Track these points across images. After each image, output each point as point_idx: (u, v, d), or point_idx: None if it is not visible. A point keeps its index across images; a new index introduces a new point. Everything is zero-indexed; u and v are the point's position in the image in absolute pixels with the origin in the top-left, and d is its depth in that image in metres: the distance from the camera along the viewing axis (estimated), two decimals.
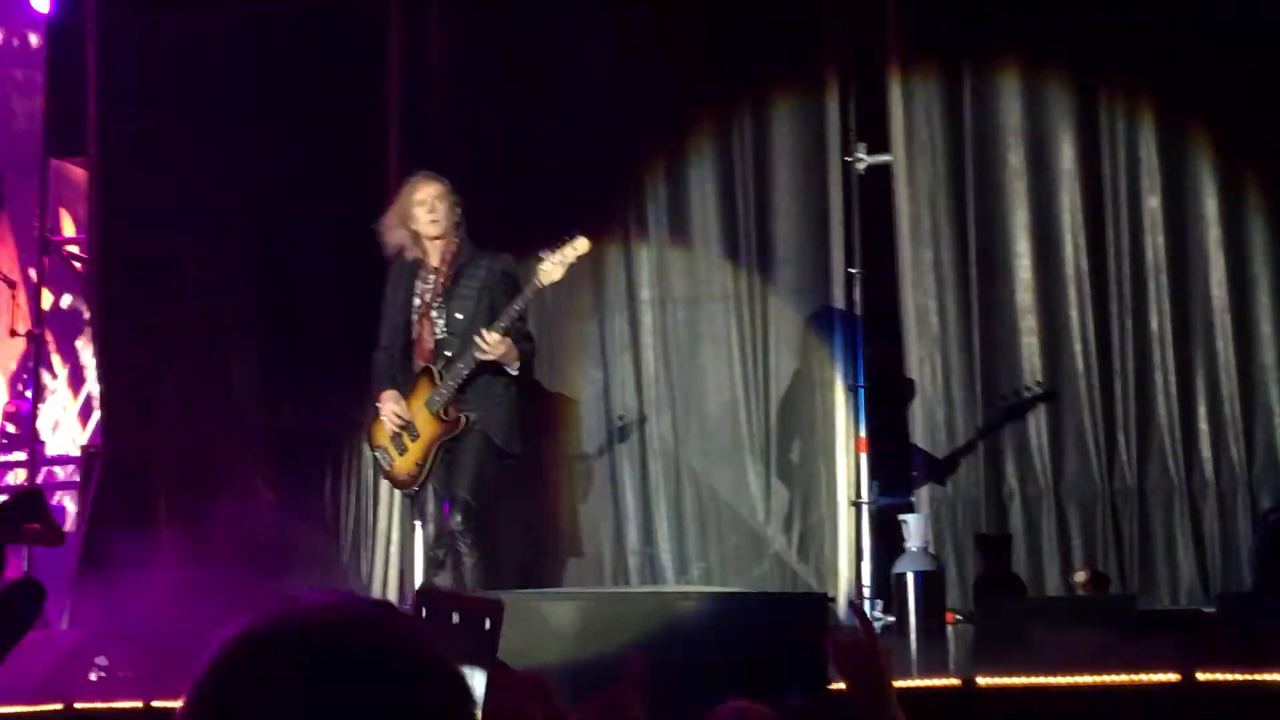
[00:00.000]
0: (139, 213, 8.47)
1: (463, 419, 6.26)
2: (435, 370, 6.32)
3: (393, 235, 6.51)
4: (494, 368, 6.24)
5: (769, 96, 7.51)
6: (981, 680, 5.13)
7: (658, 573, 7.38)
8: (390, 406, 6.38)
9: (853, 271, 7.11)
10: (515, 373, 6.28)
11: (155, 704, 5.68)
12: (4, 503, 6.69)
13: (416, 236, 6.45)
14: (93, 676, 7.49)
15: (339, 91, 7.98)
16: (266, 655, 1.33)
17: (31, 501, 6.89)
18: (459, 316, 6.33)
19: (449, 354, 6.33)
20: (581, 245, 6.22)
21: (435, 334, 6.39)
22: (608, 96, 7.71)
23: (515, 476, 6.76)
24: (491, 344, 6.13)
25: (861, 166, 7.12)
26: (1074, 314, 7.00)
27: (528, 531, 7.49)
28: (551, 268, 6.18)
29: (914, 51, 7.27)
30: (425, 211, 6.40)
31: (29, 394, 9.17)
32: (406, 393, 6.42)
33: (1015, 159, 7.12)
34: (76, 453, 9.54)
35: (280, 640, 1.33)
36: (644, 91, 7.69)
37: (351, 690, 1.29)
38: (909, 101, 7.23)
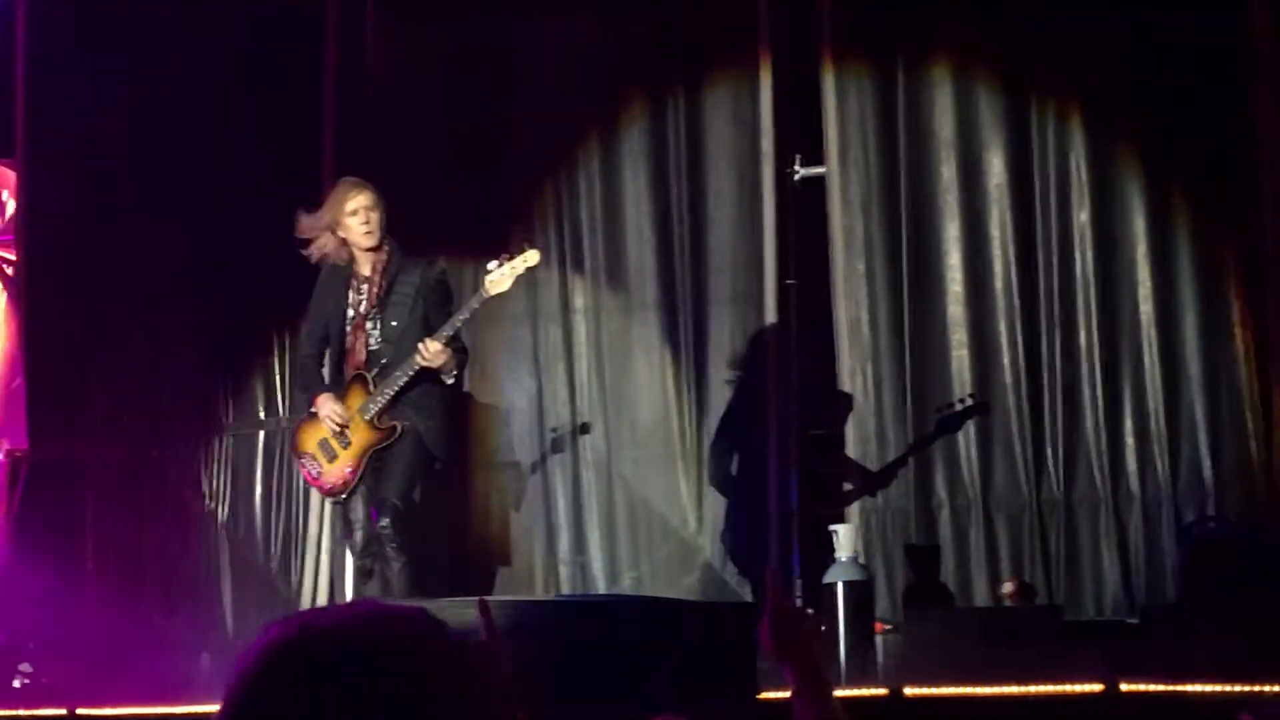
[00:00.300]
0: (67, 214, 8.39)
1: (398, 427, 6.22)
2: (369, 377, 6.27)
3: (319, 241, 6.39)
4: (430, 375, 6.21)
5: (704, 108, 7.53)
6: (909, 690, 5.17)
7: (589, 581, 7.38)
8: (330, 407, 6.28)
9: (788, 282, 7.14)
10: (450, 381, 6.25)
11: (80, 711, 5.62)
12: None
13: (343, 243, 6.37)
14: (16, 683, 7.42)
15: (275, 91, 7.94)
16: (303, 661, 1.34)
17: None
18: (394, 324, 6.28)
19: (384, 361, 6.29)
20: (532, 258, 6.19)
21: (369, 344, 6.33)
22: (543, 98, 7.71)
23: (445, 483, 6.75)
24: (432, 353, 6.09)
25: (797, 177, 7.15)
26: (1003, 327, 7.07)
27: (457, 539, 7.47)
28: (500, 279, 6.15)
29: (848, 60, 7.31)
30: (359, 222, 6.29)
31: None
32: (338, 399, 6.35)
33: (947, 172, 7.18)
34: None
35: (315, 646, 1.35)
36: (580, 92, 7.70)
37: (386, 693, 1.31)
38: (843, 113, 7.28)
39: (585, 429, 7.53)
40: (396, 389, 6.19)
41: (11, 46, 8.46)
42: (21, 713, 5.90)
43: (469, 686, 1.37)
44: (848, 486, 7.16)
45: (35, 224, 8.54)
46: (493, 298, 6.22)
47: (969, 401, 7.06)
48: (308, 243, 6.41)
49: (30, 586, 8.10)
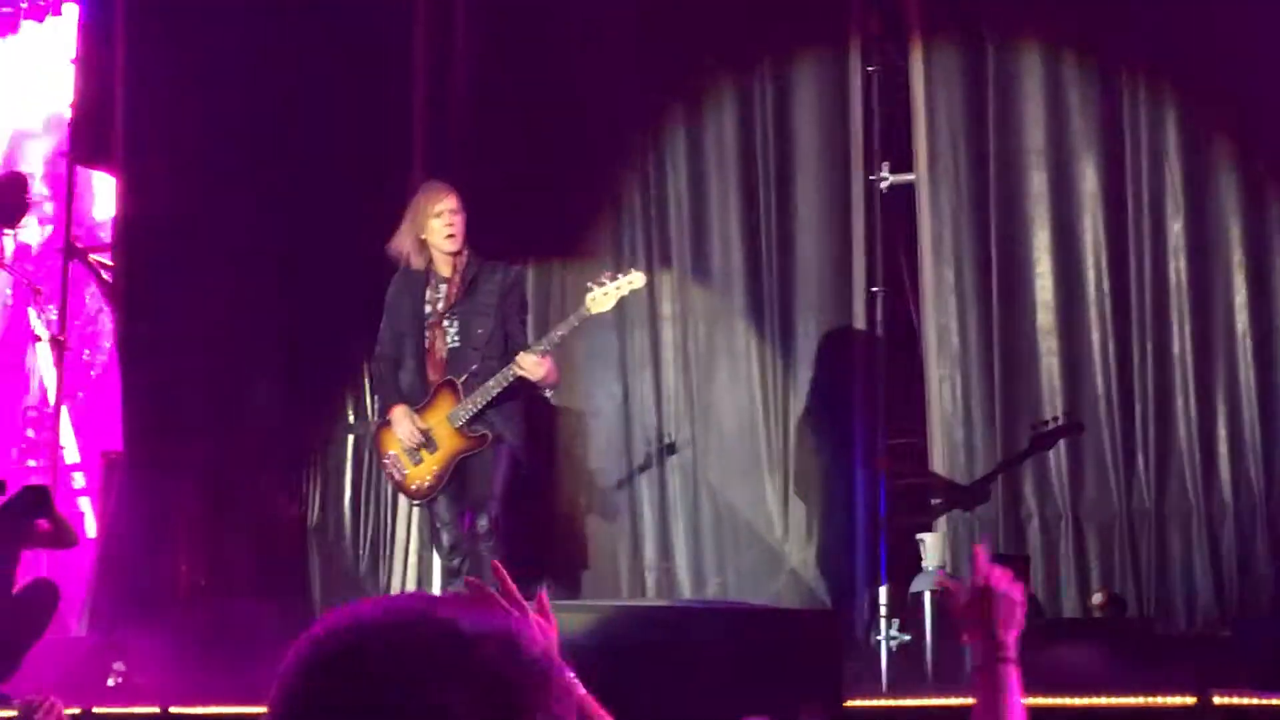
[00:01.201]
0: (162, 221, 8.52)
1: (487, 436, 6.26)
2: (458, 384, 6.32)
3: (399, 244, 6.50)
4: (520, 388, 6.25)
5: (792, 114, 7.53)
6: None
7: (675, 587, 7.38)
8: (405, 426, 6.36)
9: (875, 290, 7.12)
10: (550, 394, 6.26)
11: (173, 710, 5.70)
12: (7, 500, 6.73)
13: (423, 245, 6.44)
14: (111, 682, 7.53)
15: (365, 99, 8.03)
16: (347, 654, 1.38)
17: (37, 498, 6.95)
18: (479, 331, 6.32)
19: (467, 365, 6.32)
20: (637, 280, 6.20)
21: (448, 343, 6.39)
22: (627, 96, 7.73)
23: (532, 488, 6.78)
24: (529, 366, 6.11)
25: (885, 185, 7.13)
26: (1095, 335, 7.00)
27: (544, 545, 7.50)
28: (602, 298, 6.15)
29: (938, 66, 7.28)
30: (443, 224, 6.38)
31: (51, 399, 9.22)
32: (423, 404, 6.40)
33: (1038, 179, 7.12)
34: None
35: (358, 638, 1.39)
36: (665, 93, 7.71)
37: (421, 682, 1.35)
38: (932, 121, 7.25)
39: (671, 449, 7.52)
40: (489, 399, 6.22)
41: (111, 56, 8.62)
42: (116, 710, 5.99)
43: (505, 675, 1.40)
44: (935, 495, 7.11)
45: (132, 231, 8.69)
46: (593, 315, 6.22)
47: (1058, 410, 7.00)
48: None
49: (123, 587, 8.23)
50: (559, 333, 6.22)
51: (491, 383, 6.20)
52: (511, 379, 6.16)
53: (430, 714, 1.34)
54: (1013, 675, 2.54)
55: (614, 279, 6.17)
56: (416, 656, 1.37)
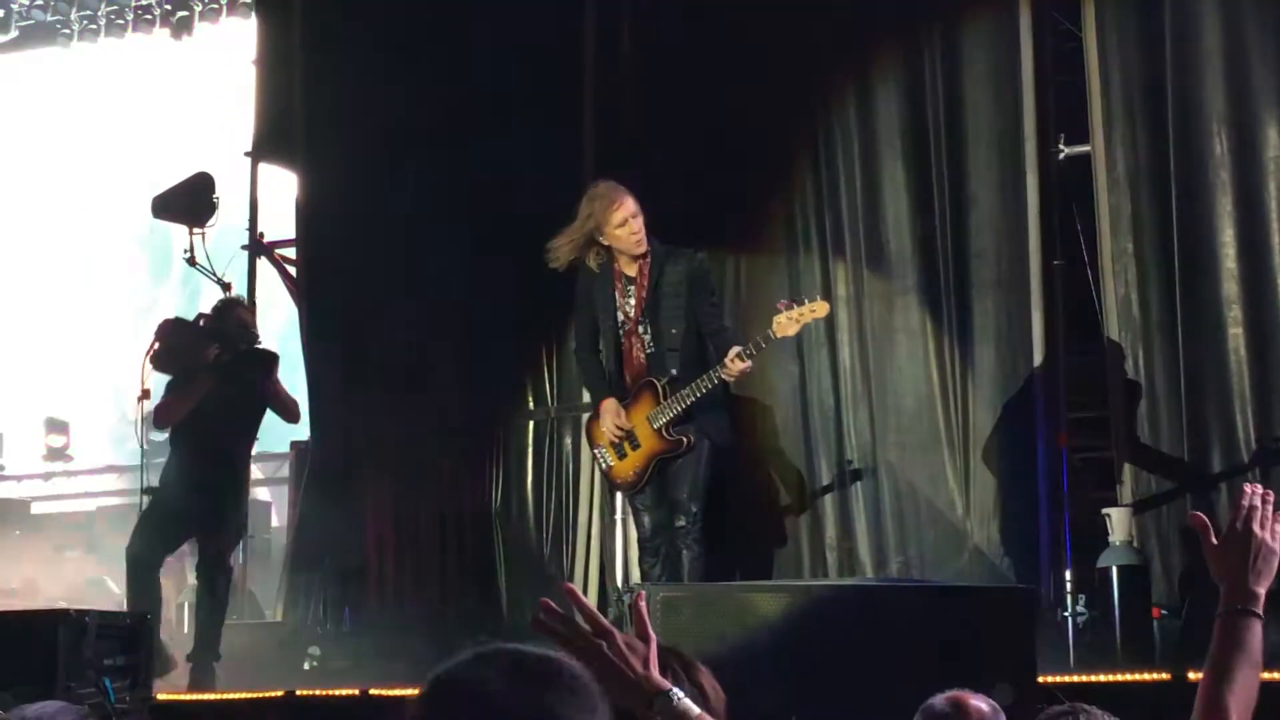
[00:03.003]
0: (342, 215, 8.73)
1: (684, 441, 6.31)
2: (659, 385, 6.35)
3: (571, 244, 6.42)
4: (719, 390, 6.30)
5: (964, 88, 7.46)
6: (1193, 675, 5.06)
7: (856, 567, 7.38)
8: (611, 419, 6.41)
9: (1054, 263, 7.03)
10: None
11: (373, 692, 5.86)
12: (242, 353, 7.14)
13: (599, 245, 6.39)
14: (306, 665, 7.77)
15: (536, 93, 8.13)
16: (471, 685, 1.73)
17: (269, 361, 7.31)
18: (673, 332, 6.33)
19: (666, 369, 6.33)
20: (820, 309, 6.18)
21: (645, 349, 6.42)
22: (795, 75, 7.73)
23: (730, 470, 6.83)
24: (735, 371, 6.12)
25: (1061, 157, 7.04)
26: None
27: (728, 525, 7.54)
28: (788, 323, 6.12)
29: (1112, 36, 7.16)
30: (629, 232, 6.30)
31: None
32: (625, 401, 6.45)
33: (1219, 146, 6.97)
34: (285, 448, 9.87)
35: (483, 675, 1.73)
36: (833, 69, 7.70)
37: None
38: (1107, 89, 7.13)
39: (846, 414, 7.51)
40: (688, 404, 6.26)
41: (291, 50, 8.84)
42: (318, 692, 6.17)
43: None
44: (1120, 470, 7.01)
45: (312, 226, 8.92)
46: (777, 339, 6.19)
47: (1245, 382, 6.85)
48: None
49: (316, 573, 8.47)
50: (748, 351, 6.13)
51: (688, 390, 6.23)
52: (715, 382, 6.20)
53: None
54: (1255, 629, 2.44)
55: (800, 305, 6.13)
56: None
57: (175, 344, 7.37)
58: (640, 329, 6.42)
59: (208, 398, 7.20)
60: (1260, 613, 2.45)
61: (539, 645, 1.81)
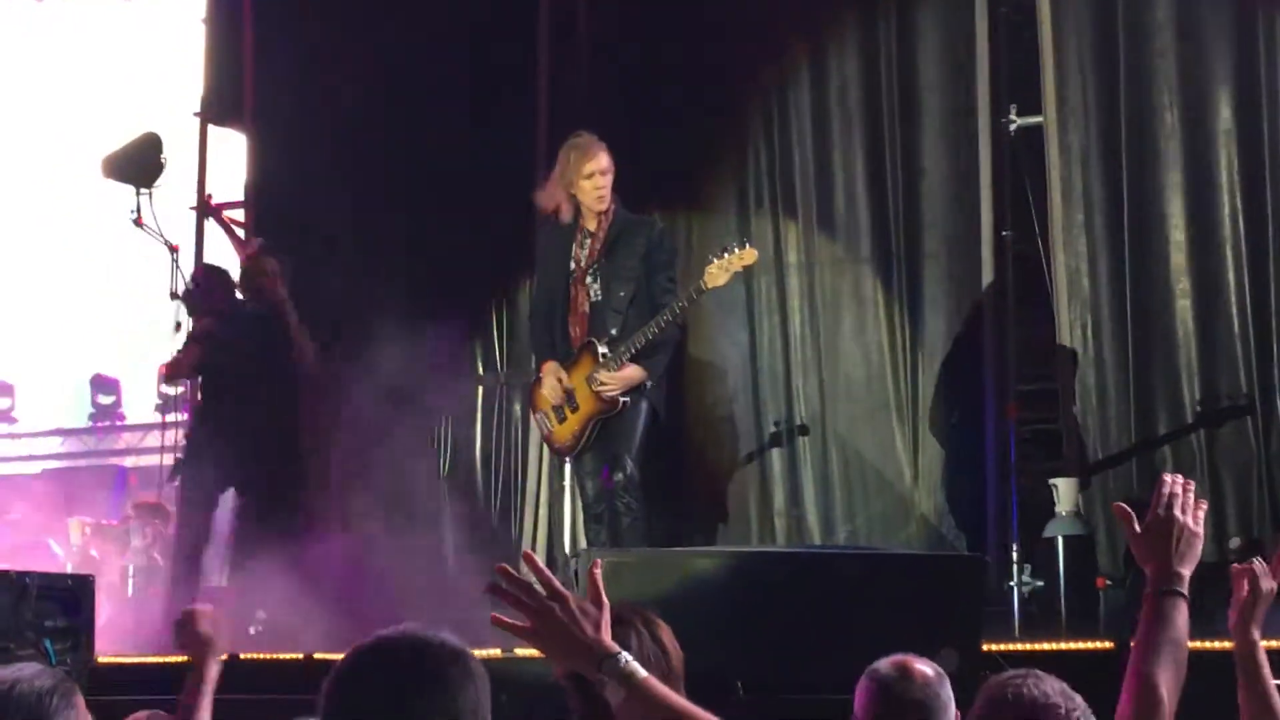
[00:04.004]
0: (290, 180, 8.66)
1: (620, 402, 6.33)
2: (598, 347, 6.37)
3: (550, 199, 6.52)
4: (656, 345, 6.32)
5: (917, 57, 7.46)
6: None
7: (804, 534, 7.40)
8: (552, 379, 6.45)
9: (1004, 234, 7.05)
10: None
11: (317, 656, 5.83)
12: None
13: (572, 199, 6.47)
14: (252, 630, 7.70)
15: (488, 49, 8.06)
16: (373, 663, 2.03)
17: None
18: (620, 294, 6.37)
19: (607, 327, 6.36)
20: (749, 257, 6.23)
21: (591, 297, 6.45)
22: (749, 41, 7.71)
23: (665, 438, 6.83)
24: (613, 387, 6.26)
25: (1013, 128, 7.05)
26: (1230, 276, 6.87)
27: (674, 492, 7.54)
28: (718, 273, 6.19)
29: (1066, 6, 7.16)
30: (593, 185, 6.38)
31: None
32: (566, 362, 6.47)
33: (1170, 117, 6.99)
34: None
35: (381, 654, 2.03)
36: (788, 31, 7.68)
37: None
38: (1061, 59, 7.13)
39: (796, 382, 7.52)
40: (626, 360, 6.28)
41: (239, 15, 8.75)
42: (262, 656, 6.13)
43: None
44: (1067, 440, 7.04)
45: (261, 189, 8.84)
46: (707, 290, 6.25)
47: (1192, 352, 6.89)
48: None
49: (261, 536, 8.41)
50: (680, 304, 6.24)
51: (624, 347, 6.27)
52: (651, 336, 6.22)
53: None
54: (1182, 609, 2.53)
55: (729, 254, 6.18)
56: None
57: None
58: (589, 279, 6.45)
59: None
60: (1185, 593, 2.57)
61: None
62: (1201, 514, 2.63)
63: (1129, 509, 2.65)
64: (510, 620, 2.15)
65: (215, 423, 7.74)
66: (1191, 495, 2.64)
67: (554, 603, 2.15)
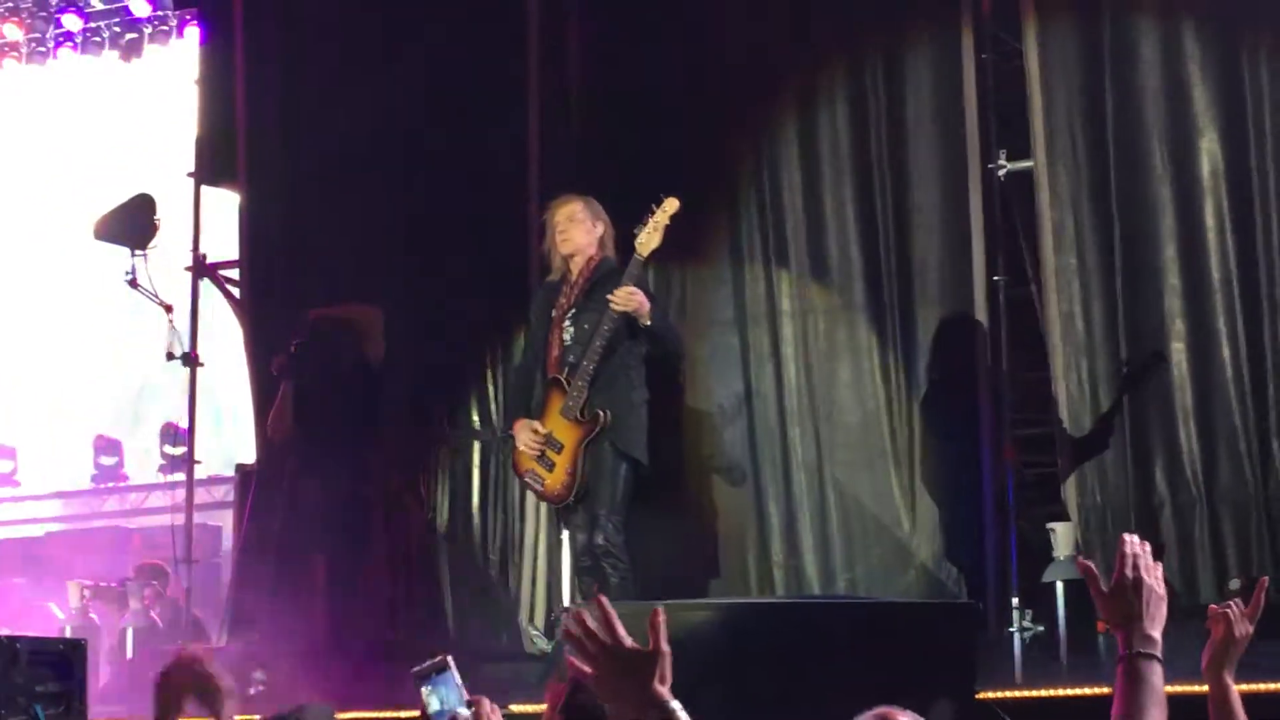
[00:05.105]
0: (287, 236, 8.67)
1: (600, 415, 6.42)
2: (562, 378, 6.50)
3: (549, 257, 6.84)
4: (622, 372, 6.35)
5: (906, 106, 7.48)
6: None
7: (804, 584, 7.36)
8: (524, 434, 6.59)
9: (996, 279, 7.05)
10: (648, 322, 6.44)
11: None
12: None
13: (559, 256, 6.74)
14: (252, 690, 7.67)
15: (481, 108, 8.10)
16: None
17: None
18: (585, 327, 6.52)
19: (570, 360, 6.51)
20: (670, 205, 6.38)
21: (564, 341, 6.62)
22: (739, 87, 7.77)
23: (658, 488, 6.82)
24: (622, 298, 6.33)
25: (1002, 173, 7.07)
26: (1223, 319, 6.86)
27: (671, 543, 7.52)
28: (648, 237, 6.33)
29: (1053, 51, 7.19)
30: (557, 232, 6.71)
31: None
32: (539, 409, 6.59)
33: (1159, 163, 7.00)
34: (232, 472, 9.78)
35: None
36: (777, 85, 7.71)
37: None
38: (1049, 104, 7.15)
39: (792, 431, 7.52)
40: (589, 379, 6.42)
41: (231, 75, 8.79)
42: (258, 718, 6.10)
43: None
44: (1065, 484, 7.01)
45: (255, 246, 8.85)
46: (646, 258, 6.44)
47: (1188, 396, 6.87)
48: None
49: (261, 594, 8.39)
50: (630, 274, 6.42)
51: (585, 361, 6.37)
52: (607, 333, 6.37)
53: None
54: (1158, 670, 2.50)
55: (652, 214, 6.38)
56: None
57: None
58: (565, 323, 6.62)
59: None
60: (1160, 656, 2.54)
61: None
62: (1159, 572, 2.59)
63: (1092, 566, 2.61)
64: (577, 663, 2.19)
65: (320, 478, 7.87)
66: (1149, 557, 2.60)
67: (614, 651, 2.17)
